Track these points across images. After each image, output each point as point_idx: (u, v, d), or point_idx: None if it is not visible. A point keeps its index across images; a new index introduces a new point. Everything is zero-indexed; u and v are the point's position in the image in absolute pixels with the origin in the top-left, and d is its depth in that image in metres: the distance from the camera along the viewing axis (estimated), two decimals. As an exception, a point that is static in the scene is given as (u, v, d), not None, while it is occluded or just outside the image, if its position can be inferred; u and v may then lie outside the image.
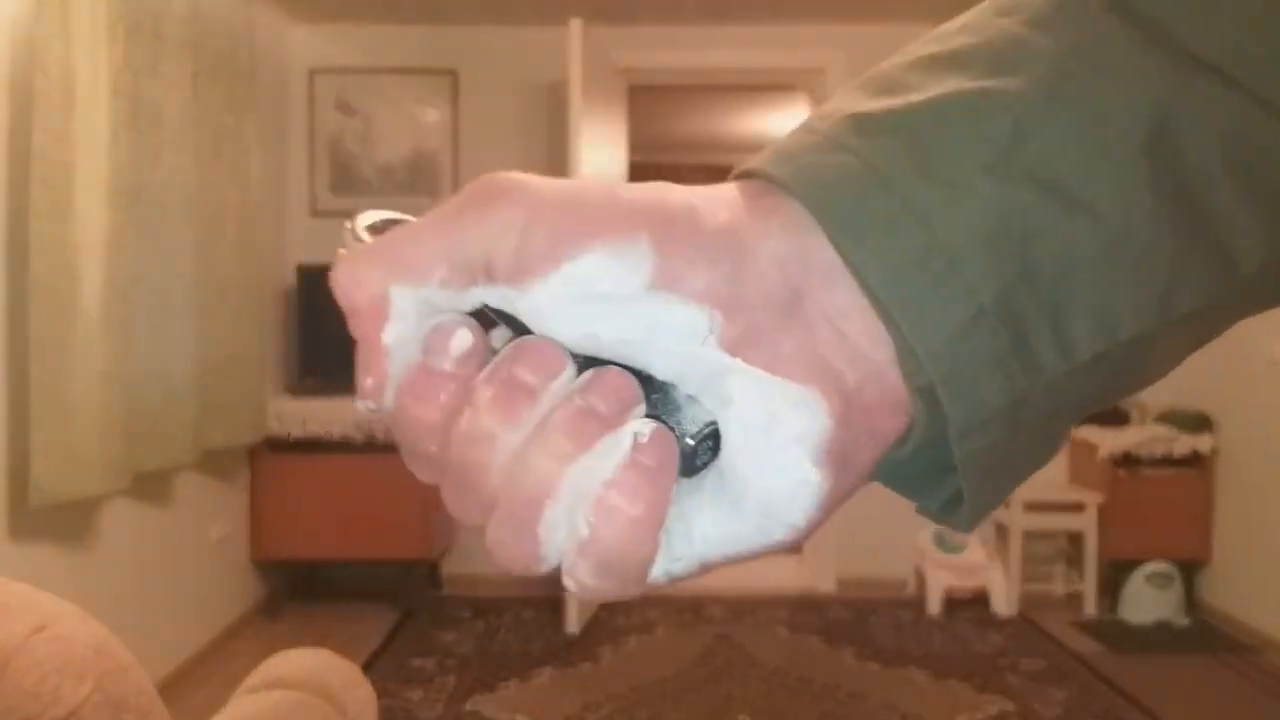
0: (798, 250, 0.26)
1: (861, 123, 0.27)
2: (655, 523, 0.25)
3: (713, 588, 4.32)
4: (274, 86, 4.14)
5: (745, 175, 0.28)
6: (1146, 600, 3.95)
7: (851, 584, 4.37)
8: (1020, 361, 0.26)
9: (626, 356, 0.26)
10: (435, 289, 0.27)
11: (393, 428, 0.28)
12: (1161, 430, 4.06)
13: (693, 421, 0.26)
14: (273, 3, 4.03)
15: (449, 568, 4.41)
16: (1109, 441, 4.05)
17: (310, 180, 4.34)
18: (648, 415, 0.26)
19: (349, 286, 0.27)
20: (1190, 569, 4.06)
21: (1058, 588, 4.28)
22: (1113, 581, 4.07)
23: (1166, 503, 4.03)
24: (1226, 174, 0.26)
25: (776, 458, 0.25)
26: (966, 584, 4.12)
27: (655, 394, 0.27)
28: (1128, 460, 4.05)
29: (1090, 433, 4.15)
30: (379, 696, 1.34)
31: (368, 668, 3.33)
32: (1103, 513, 4.05)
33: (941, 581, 4.10)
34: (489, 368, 0.26)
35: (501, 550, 0.26)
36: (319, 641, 2.91)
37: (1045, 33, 0.27)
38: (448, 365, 0.26)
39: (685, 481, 0.26)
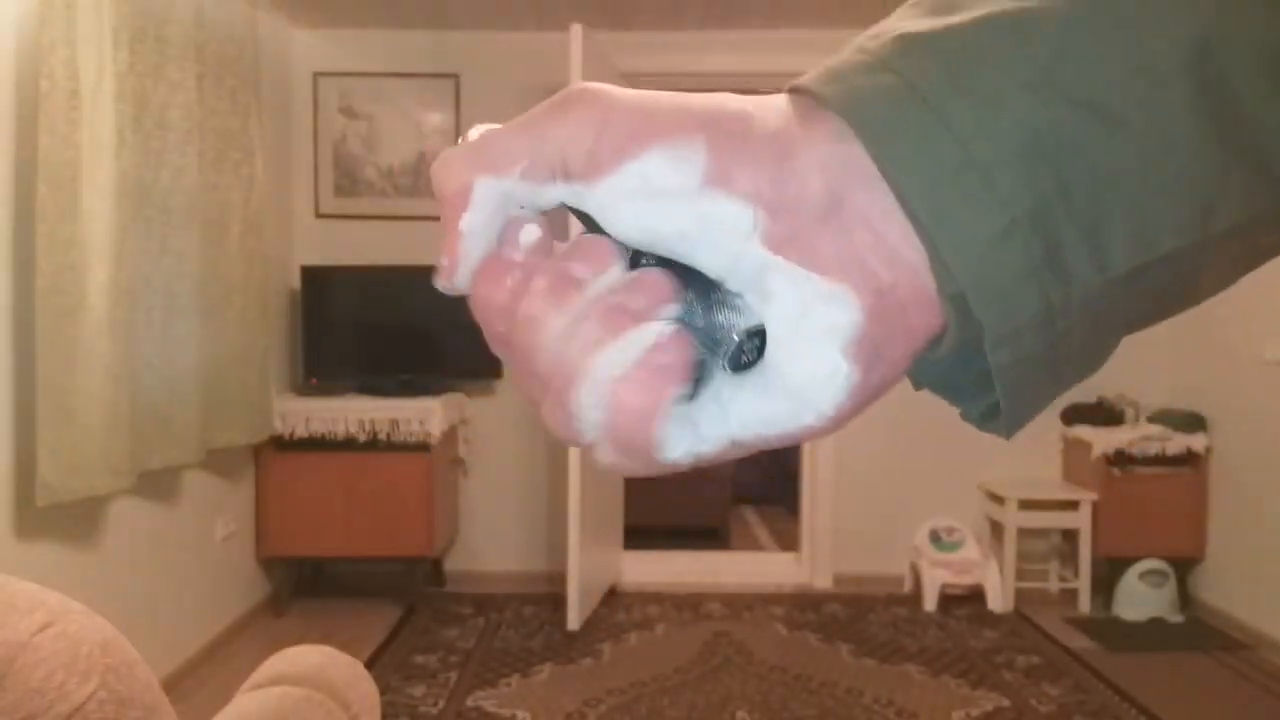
0: (840, 156, 0.27)
1: (907, 43, 0.27)
2: (656, 416, 0.27)
3: (712, 584, 4.35)
4: (278, 90, 4.17)
5: (795, 91, 0.29)
6: (1140, 597, 3.98)
7: (848, 581, 4.40)
8: (1054, 273, 0.26)
9: (679, 252, 0.28)
10: (516, 181, 0.29)
11: (472, 309, 0.30)
12: (1155, 429, 4.08)
13: (743, 320, 0.29)
14: (276, 7, 4.05)
15: (451, 564, 4.44)
16: (1103, 440, 4.07)
17: (314, 183, 4.37)
18: (701, 311, 0.29)
19: (442, 177, 0.30)
20: (1184, 567, 4.07)
21: (1052, 585, 4.31)
22: (1107, 579, 4.09)
23: (1160, 501, 4.05)
24: (1273, 91, 0.26)
25: (810, 349, 0.27)
26: (962, 581, 4.14)
27: (715, 292, 0.29)
28: (1122, 459, 4.07)
29: (1085, 431, 4.17)
30: (382, 692, 1.35)
31: (371, 664, 3.36)
32: (1097, 511, 4.07)
33: (937, 578, 4.12)
34: (549, 261, 0.29)
35: (550, 424, 0.29)
36: (323, 638, 2.96)
37: None
38: (516, 255, 0.29)
39: (730, 374, 0.29)
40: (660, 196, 0.28)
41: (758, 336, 0.28)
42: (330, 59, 4.35)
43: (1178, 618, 3.97)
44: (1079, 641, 3.73)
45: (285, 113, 4.28)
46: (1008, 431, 0.31)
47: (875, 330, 0.28)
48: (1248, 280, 0.32)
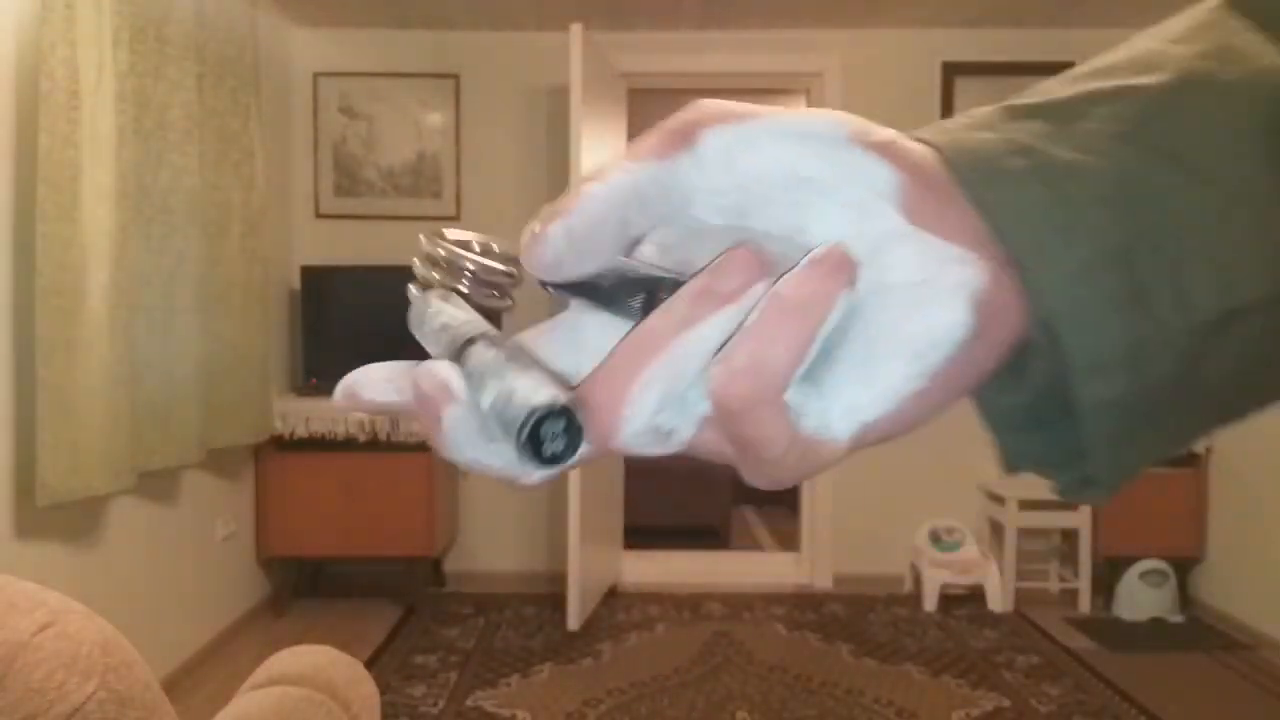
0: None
1: (1010, 109, 0.30)
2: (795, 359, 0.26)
3: (711, 584, 4.35)
4: (278, 90, 4.17)
5: None
6: (1141, 597, 3.98)
7: (848, 581, 4.40)
8: (1140, 310, 0.27)
9: (804, 202, 0.28)
10: (645, 165, 0.28)
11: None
12: (1156, 429, 4.08)
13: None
14: (276, 7, 4.06)
15: (451, 564, 4.44)
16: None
17: (314, 182, 4.37)
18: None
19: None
20: (1184, 567, 4.08)
21: (1053, 585, 4.30)
22: (1107, 579, 4.10)
23: (1161, 501, 4.05)
24: None
25: (935, 299, 0.27)
26: (962, 581, 4.14)
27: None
28: (1122, 459, 4.07)
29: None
30: (382, 692, 1.35)
31: (371, 664, 3.36)
32: (1097, 510, 4.06)
33: (937, 578, 4.12)
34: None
35: (591, 414, 0.27)
36: (323, 638, 2.96)
37: (1183, 44, 0.31)
38: None
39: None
40: (810, 138, 0.28)
41: (562, 416, 0.26)
42: (330, 59, 4.35)
43: (1178, 618, 3.97)
44: (1079, 641, 3.73)
45: (285, 112, 4.29)
46: (1105, 490, 0.32)
47: (993, 300, 0.28)
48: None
